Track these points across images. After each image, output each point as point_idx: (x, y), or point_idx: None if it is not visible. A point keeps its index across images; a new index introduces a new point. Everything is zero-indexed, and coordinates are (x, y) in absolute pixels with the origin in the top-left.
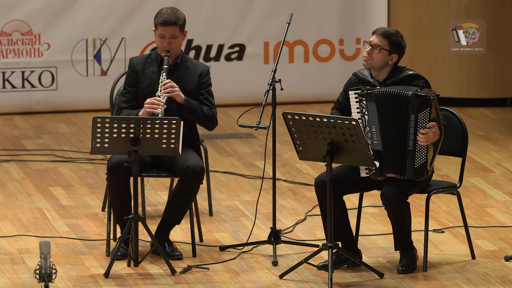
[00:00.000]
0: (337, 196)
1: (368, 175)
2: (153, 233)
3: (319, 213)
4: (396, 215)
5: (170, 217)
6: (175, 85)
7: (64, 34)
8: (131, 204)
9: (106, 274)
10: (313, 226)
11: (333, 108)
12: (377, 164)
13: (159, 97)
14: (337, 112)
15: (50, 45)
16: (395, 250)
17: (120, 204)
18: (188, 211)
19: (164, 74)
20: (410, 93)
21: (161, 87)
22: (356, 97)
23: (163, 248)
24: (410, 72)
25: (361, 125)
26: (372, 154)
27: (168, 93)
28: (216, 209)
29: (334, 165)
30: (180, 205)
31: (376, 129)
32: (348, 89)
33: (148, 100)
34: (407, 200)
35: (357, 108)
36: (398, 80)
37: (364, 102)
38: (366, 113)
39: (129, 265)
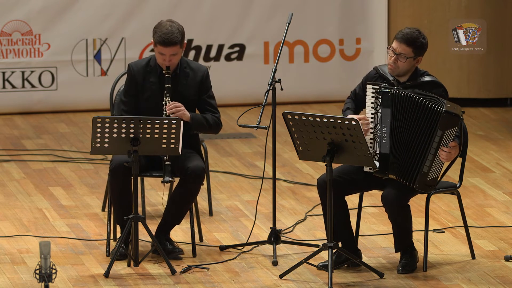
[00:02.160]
0: (339, 196)
1: (371, 170)
2: (153, 232)
3: (319, 213)
4: (396, 218)
5: (170, 218)
6: (179, 105)
7: (64, 34)
8: (132, 204)
9: (106, 274)
10: (313, 226)
11: (348, 97)
12: (377, 164)
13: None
14: (351, 102)
15: (50, 45)
16: (396, 251)
17: (121, 204)
18: (188, 211)
19: (168, 95)
20: (443, 109)
21: (165, 110)
22: (373, 92)
23: (164, 246)
24: (430, 79)
25: (372, 120)
26: (378, 152)
27: (174, 114)
28: (216, 209)
29: (336, 165)
30: (180, 206)
31: (387, 128)
32: (367, 82)
33: None
34: (408, 203)
35: (372, 103)
36: (417, 84)
37: (380, 99)
38: (380, 110)
39: (129, 265)
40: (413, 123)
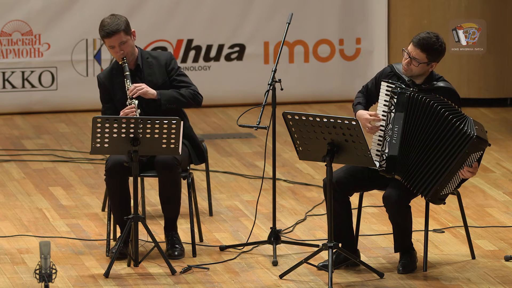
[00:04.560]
0: (345, 196)
1: (378, 169)
2: (155, 233)
3: (319, 213)
4: (397, 219)
5: (168, 213)
6: (139, 84)
7: (64, 34)
8: (131, 204)
9: (106, 274)
10: (313, 226)
11: (359, 91)
12: (378, 164)
13: (130, 105)
14: (363, 96)
15: (50, 45)
16: (395, 252)
17: (119, 204)
18: (188, 211)
19: (128, 81)
20: (475, 134)
21: (128, 96)
22: (388, 91)
23: (169, 248)
24: (445, 85)
25: (384, 119)
26: (386, 152)
27: (135, 93)
28: (216, 209)
29: (339, 165)
30: (169, 198)
31: (399, 130)
32: (382, 79)
33: (121, 113)
34: (409, 204)
35: (386, 101)
36: (433, 89)
37: (395, 99)
38: (393, 110)
39: (129, 265)
40: (431, 133)
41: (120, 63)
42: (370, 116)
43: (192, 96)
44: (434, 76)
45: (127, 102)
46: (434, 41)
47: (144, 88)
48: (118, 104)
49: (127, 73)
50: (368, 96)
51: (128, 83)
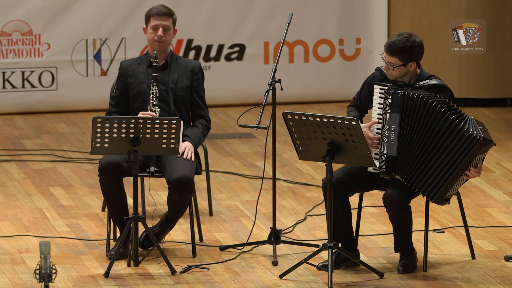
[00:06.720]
0: (344, 196)
1: (377, 171)
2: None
3: (319, 213)
4: (397, 219)
5: (172, 216)
6: (184, 148)
7: (64, 34)
8: (127, 204)
9: (106, 274)
10: (313, 226)
11: (349, 105)
12: (378, 164)
13: (152, 111)
14: (355, 110)
15: (50, 45)
16: (395, 252)
17: (114, 204)
18: (188, 210)
19: (155, 84)
20: (482, 136)
21: (152, 99)
22: (381, 93)
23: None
24: (437, 82)
25: (380, 121)
26: (385, 153)
27: (190, 156)
28: (216, 209)
29: (339, 165)
30: (176, 209)
31: (395, 129)
32: (374, 83)
33: (141, 115)
34: (409, 204)
35: (380, 103)
36: (425, 87)
37: (390, 100)
38: (388, 110)
39: (129, 265)
40: (432, 132)
41: (151, 59)
42: (369, 126)
43: (207, 132)
44: (424, 74)
45: (149, 107)
46: (404, 42)
47: (190, 150)
48: (131, 92)
49: (155, 74)
50: (361, 106)
51: (154, 87)
